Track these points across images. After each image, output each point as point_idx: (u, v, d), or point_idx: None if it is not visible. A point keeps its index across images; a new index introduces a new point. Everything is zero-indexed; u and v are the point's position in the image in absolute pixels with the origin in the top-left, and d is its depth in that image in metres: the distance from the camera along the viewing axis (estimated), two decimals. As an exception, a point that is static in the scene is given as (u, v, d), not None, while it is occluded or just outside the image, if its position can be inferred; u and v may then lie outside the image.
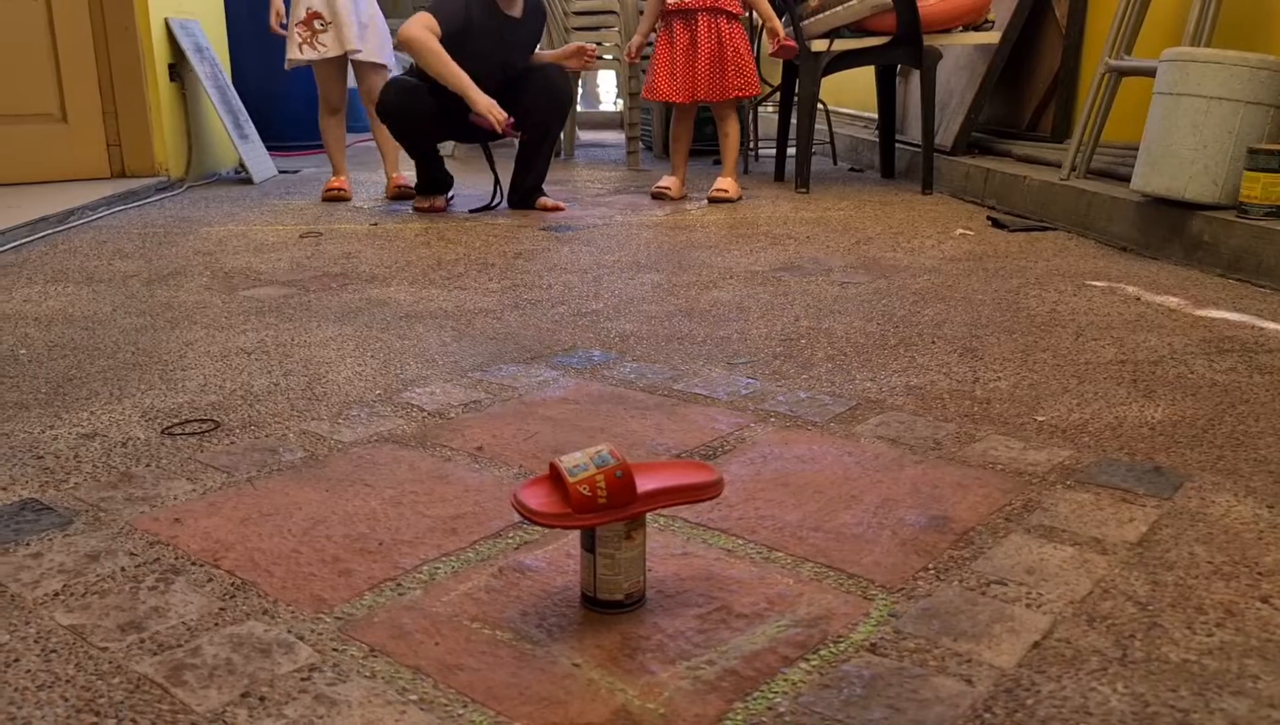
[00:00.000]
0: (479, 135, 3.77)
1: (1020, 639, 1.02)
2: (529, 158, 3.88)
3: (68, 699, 0.92)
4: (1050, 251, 3.01)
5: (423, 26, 3.48)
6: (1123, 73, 3.37)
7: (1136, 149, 2.96)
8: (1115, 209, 3.10)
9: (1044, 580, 1.14)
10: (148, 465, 1.46)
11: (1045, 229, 3.35)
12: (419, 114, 3.61)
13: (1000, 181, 3.83)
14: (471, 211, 3.84)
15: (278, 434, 1.58)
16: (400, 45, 3.58)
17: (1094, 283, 2.59)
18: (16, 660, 0.98)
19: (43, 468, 1.45)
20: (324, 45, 3.94)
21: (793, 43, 3.91)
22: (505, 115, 3.52)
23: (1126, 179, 3.06)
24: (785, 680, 0.96)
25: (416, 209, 3.86)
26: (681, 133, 4.17)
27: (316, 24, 3.94)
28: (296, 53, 3.95)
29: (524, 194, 3.89)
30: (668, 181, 4.15)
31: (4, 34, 4.07)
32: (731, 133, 4.09)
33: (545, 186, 3.97)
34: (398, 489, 1.38)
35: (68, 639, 1.02)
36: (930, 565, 1.17)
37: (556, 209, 3.85)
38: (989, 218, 3.55)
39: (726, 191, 4.05)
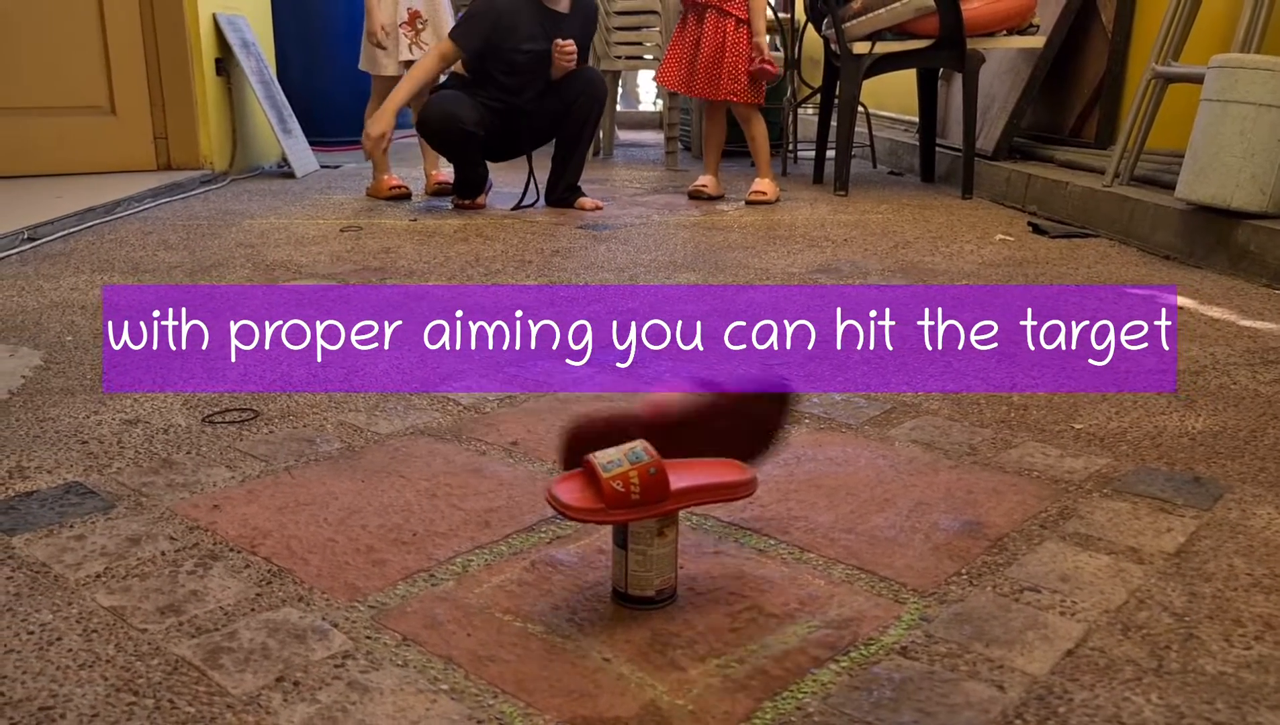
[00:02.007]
0: (518, 153, 3.87)
1: (1053, 646, 1.01)
2: (566, 156, 3.90)
3: (107, 678, 0.94)
4: (1091, 259, 2.98)
5: (436, 57, 3.62)
6: (1170, 79, 3.33)
7: (1181, 156, 2.92)
8: (1159, 217, 3.07)
9: (1078, 588, 1.13)
10: (188, 452, 1.49)
11: (1086, 236, 3.32)
12: (457, 132, 3.63)
13: (1041, 187, 3.80)
14: (511, 209, 3.86)
15: (315, 424, 1.60)
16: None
17: (1137, 291, 2.55)
18: (59, 639, 1.00)
19: (87, 452, 1.48)
20: (427, 44, 4.00)
21: (773, 66, 3.88)
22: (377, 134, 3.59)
23: (1170, 186, 3.02)
24: (815, 681, 0.95)
25: (456, 206, 3.89)
26: (712, 131, 4.17)
27: (418, 23, 4.01)
28: (406, 53, 3.99)
29: (562, 192, 3.91)
30: (704, 180, 4.14)
31: (56, 27, 4.15)
32: (757, 135, 4.07)
33: (583, 185, 3.98)
34: (432, 481, 1.39)
35: (108, 620, 1.04)
36: (963, 570, 1.17)
37: (595, 208, 3.86)
38: (1029, 223, 3.52)
39: (765, 193, 4.04)
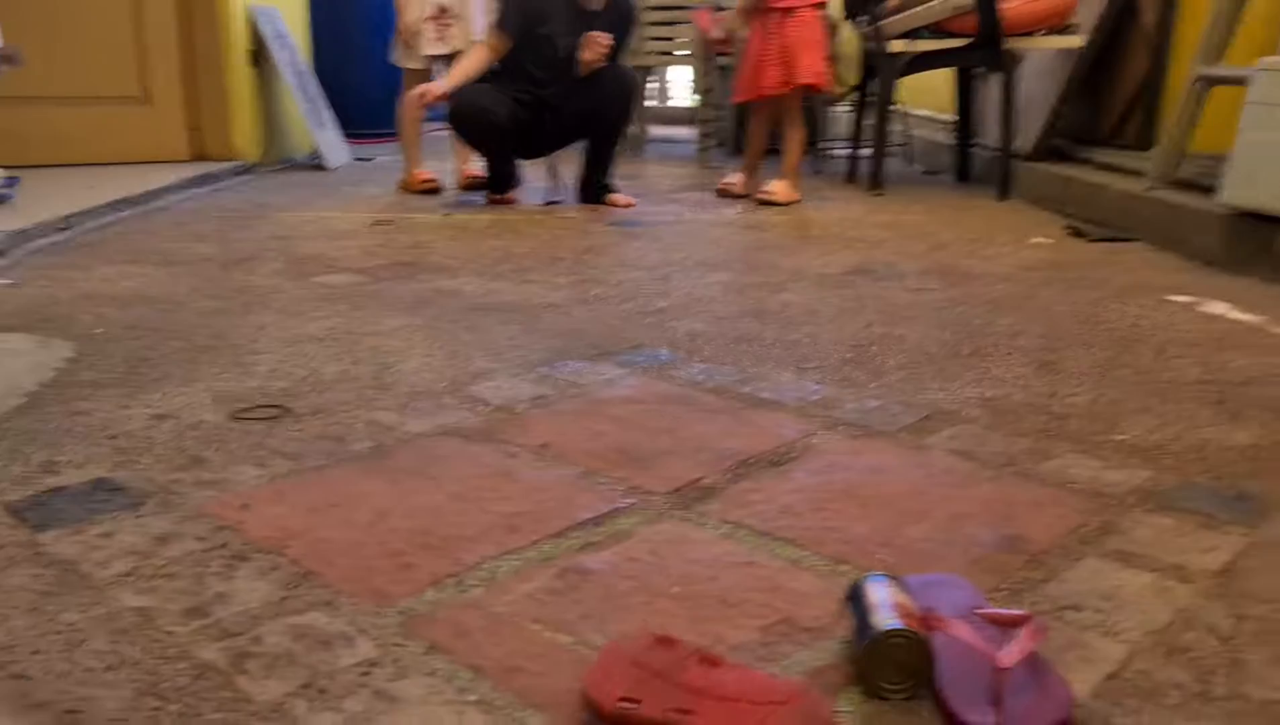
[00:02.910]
0: (544, 151, 3.87)
1: (1095, 668, 0.98)
2: (598, 153, 3.88)
3: (134, 682, 0.93)
4: (1131, 263, 2.92)
5: (485, 49, 3.65)
6: (1214, 81, 3.26)
7: (1222, 159, 2.86)
8: (1201, 222, 3.00)
9: (1121, 607, 1.09)
10: (217, 449, 1.48)
11: (1126, 240, 3.26)
12: (488, 126, 3.62)
13: (1080, 190, 3.74)
14: (542, 205, 3.84)
15: (345, 422, 1.60)
16: None
17: (1177, 297, 2.50)
18: (85, 641, 1.00)
19: (116, 447, 1.48)
20: (455, 39, 4.01)
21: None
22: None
23: (1211, 190, 2.96)
24: (848, 698, 0.93)
25: (489, 201, 3.88)
26: (758, 128, 4.11)
27: (447, 18, 4.02)
28: (431, 48, 4.00)
29: (595, 190, 3.89)
30: (734, 178, 4.10)
31: (90, 17, 4.17)
32: (798, 138, 4.01)
33: (615, 181, 3.96)
34: (462, 484, 1.38)
35: (135, 621, 1.03)
36: (1001, 586, 1.14)
37: (628, 205, 3.83)
38: (1067, 226, 3.46)
39: (773, 193, 3.93)
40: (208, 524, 1.24)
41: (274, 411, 1.64)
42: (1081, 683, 0.96)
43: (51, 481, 1.36)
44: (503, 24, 3.64)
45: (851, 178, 4.68)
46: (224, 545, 1.19)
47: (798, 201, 3.97)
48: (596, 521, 1.27)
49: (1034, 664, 0.95)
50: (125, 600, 1.07)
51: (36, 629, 1.01)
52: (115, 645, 0.99)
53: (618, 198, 3.87)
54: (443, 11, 4.02)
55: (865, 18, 4.21)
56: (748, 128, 4.20)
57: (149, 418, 1.60)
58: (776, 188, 3.96)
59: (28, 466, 1.41)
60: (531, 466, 1.44)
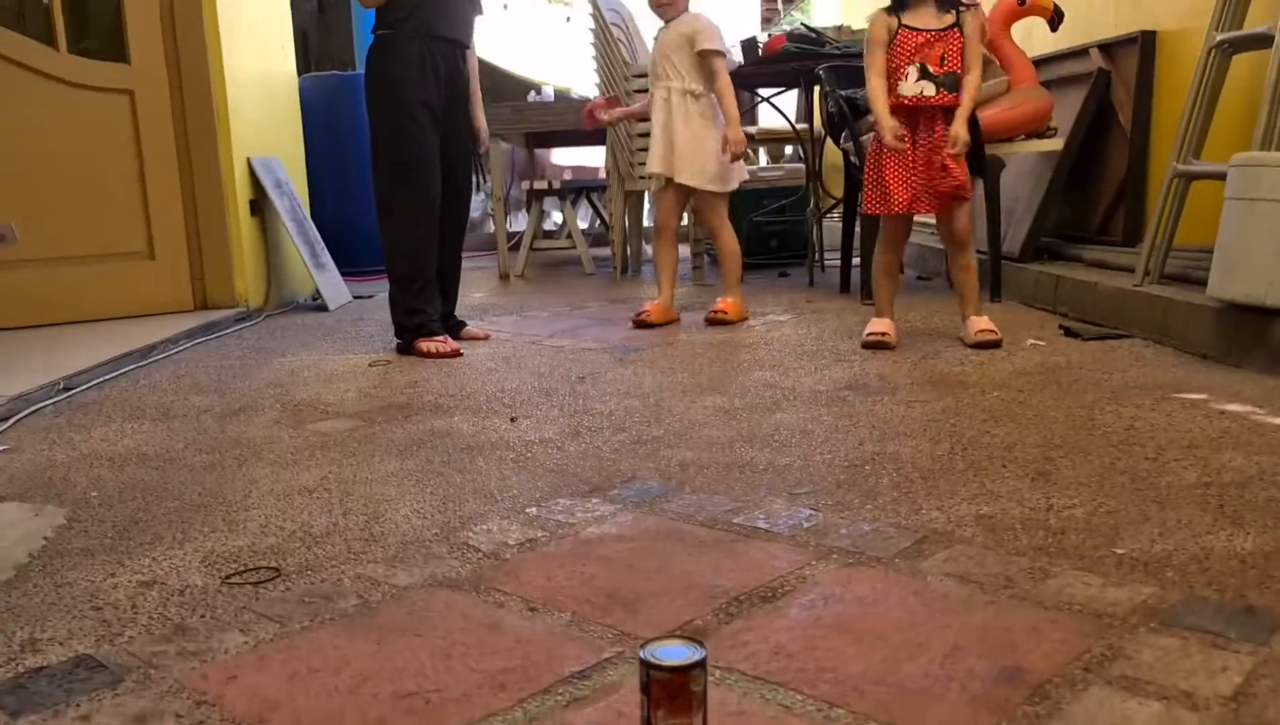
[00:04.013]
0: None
1: (1103, 813, 0.94)
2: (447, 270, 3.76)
3: None
4: (1126, 361, 2.92)
5: None
6: (1191, 177, 3.31)
7: (1210, 252, 2.88)
8: (1193, 316, 3.01)
9: (1128, 742, 1.05)
10: (202, 616, 1.46)
11: (1120, 337, 3.26)
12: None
13: (1071, 288, 3.76)
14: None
15: (333, 579, 1.58)
16: None
17: (1173, 395, 2.49)
18: (53, 838, 0.96)
19: (100, 620, 1.46)
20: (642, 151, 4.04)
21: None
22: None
23: (1202, 283, 2.97)
24: None
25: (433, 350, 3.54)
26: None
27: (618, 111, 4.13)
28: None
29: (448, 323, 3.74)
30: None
31: (100, 180, 4.29)
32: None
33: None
34: (448, 640, 1.35)
35: (106, 814, 1.00)
36: (1002, 723, 1.10)
37: (484, 337, 3.77)
38: (1061, 326, 3.47)
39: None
40: (187, 700, 1.21)
41: (263, 573, 1.62)
42: (1087, 830, 0.92)
43: (32, 661, 1.33)
44: None
45: (844, 288, 4.73)
46: (203, 723, 1.16)
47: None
48: (584, 674, 1.24)
49: None
50: (97, 791, 1.04)
51: (4, 829, 0.98)
52: (83, 843, 0.95)
53: (475, 330, 3.82)
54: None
55: (845, 131, 4.31)
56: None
57: (136, 585, 1.58)
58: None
59: (10, 645, 1.39)
60: (519, 617, 1.42)
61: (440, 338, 3.54)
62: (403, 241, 3.51)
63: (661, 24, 3.96)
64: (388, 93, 3.44)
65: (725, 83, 3.87)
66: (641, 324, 3.91)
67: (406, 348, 3.56)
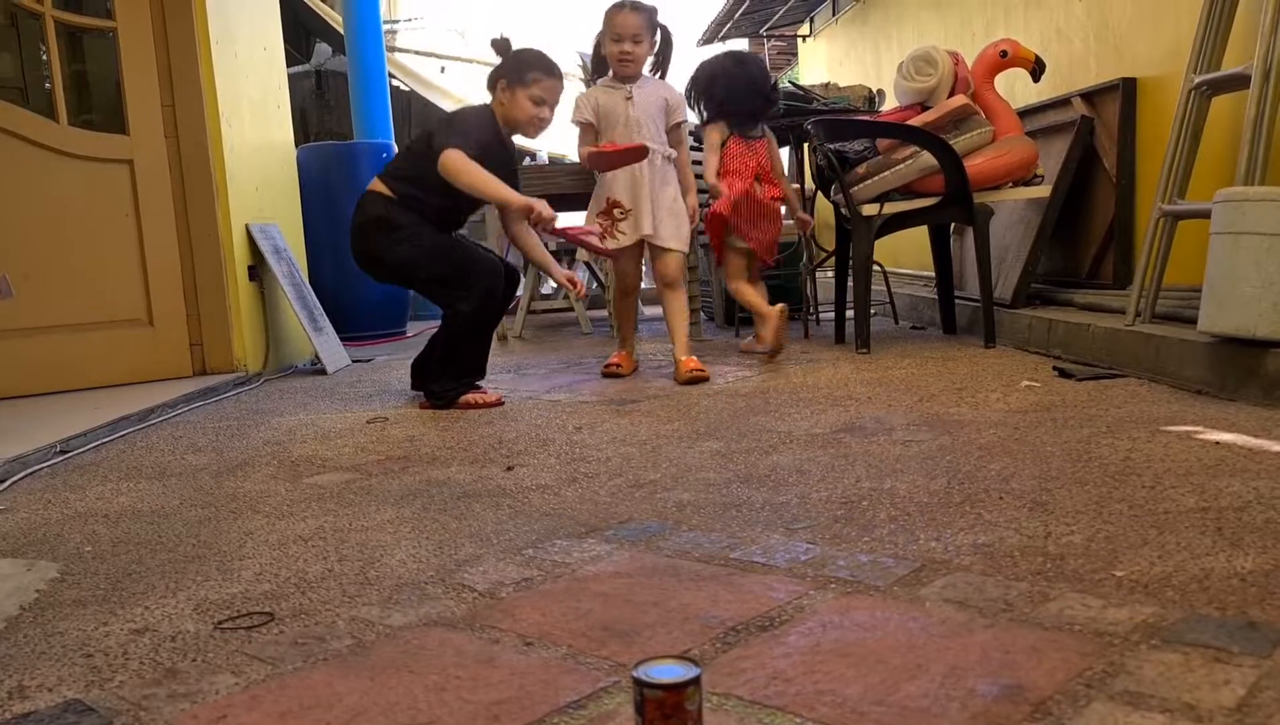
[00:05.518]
0: None
1: (1107, 822, 0.92)
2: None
3: None
4: (1121, 398, 2.92)
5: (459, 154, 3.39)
6: (1177, 216, 3.35)
7: (1200, 290, 2.90)
8: (1185, 352, 3.02)
9: (1131, 753, 1.04)
10: (193, 659, 1.44)
11: (1114, 376, 3.27)
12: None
13: (1064, 331, 3.78)
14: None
15: (327, 622, 1.56)
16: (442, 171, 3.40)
17: (1169, 428, 2.49)
18: None
19: (90, 666, 1.44)
20: (623, 233, 4.00)
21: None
22: (550, 214, 3.37)
23: (1193, 321, 2.99)
24: None
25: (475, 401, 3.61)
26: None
27: (616, 212, 4.03)
28: (597, 242, 3.99)
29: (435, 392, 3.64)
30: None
31: (101, 250, 4.33)
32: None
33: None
34: (442, 674, 1.34)
35: (92, 848, 0.98)
36: (1004, 740, 1.08)
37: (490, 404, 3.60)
38: (1055, 368, 3.48)
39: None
40: (177, 739, 1.20)
41: (256, 618, 1.60)
42: (1092, 838, 0.90)
43: (19, 707, 1.32)
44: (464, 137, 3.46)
45: (839, 339, 4.75)
46: (192, 760, 1.14)
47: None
48: (579, 704, 1.23)
49: None
50: (84, 827, 1.02)
51: None
52: None
53: (475, 398, 3.62)
54: (614, 205, 4.01)
55: (835, 184, 4.36)
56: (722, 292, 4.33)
57: (128, 633, 1.57)
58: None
59: (-1, 693, 1.37)
60: (515, 651, 1.40)
61: (482, 390, 3.64)
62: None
63: (615, 82, 4.01)
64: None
65: (686, 153, 4.14)
66: (611, 374, 4.10)
67: (446, 403, 3.58)
